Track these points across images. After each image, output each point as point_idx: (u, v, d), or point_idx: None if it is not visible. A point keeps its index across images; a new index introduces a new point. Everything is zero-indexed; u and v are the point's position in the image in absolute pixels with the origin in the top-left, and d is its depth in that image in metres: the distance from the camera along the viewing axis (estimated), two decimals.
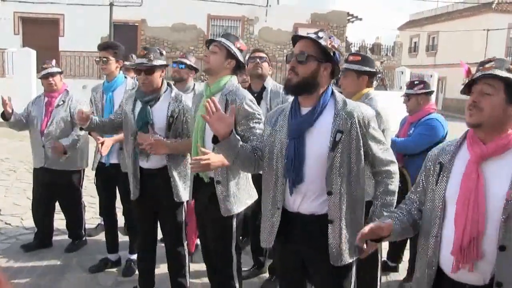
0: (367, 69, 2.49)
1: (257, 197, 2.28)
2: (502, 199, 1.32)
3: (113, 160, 3.09)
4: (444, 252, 1.43)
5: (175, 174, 2.51)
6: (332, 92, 1.72)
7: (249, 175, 2.28)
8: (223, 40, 2.17)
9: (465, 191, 1.37)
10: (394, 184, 1.77)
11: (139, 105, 2.53)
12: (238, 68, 2.23)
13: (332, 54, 1.65)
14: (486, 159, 1.38)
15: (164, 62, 2.52)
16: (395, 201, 1.78)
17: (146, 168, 2.54)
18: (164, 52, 2.58)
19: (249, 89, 3.01)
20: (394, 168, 1.79)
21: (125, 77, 3.13)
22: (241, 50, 2.21)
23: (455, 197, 1.40)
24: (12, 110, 3.19)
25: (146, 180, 2.55)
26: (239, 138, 1.77)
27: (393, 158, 1.80)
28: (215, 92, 2.17)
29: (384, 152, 1.75)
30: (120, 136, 2.91)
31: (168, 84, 2.59)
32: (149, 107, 2.48)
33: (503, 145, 1.37)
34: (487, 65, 1.40)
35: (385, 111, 2.42)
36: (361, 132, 1.66)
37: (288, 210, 1.74)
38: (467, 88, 1.45)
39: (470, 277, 1.38)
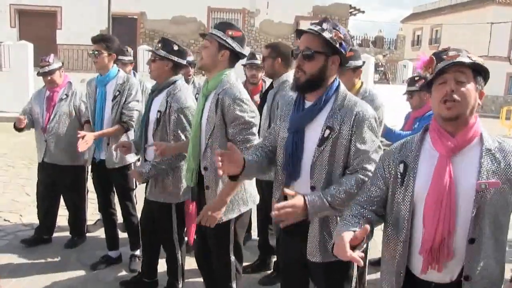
0: (360, 63, 2.61)
1: (257, 202, 2.22)
2: (472, 191, 1.27)
3: (103, 156, 3.03)
4: (413, 255, 1.38)
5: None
6: (338, 86, 1.67)
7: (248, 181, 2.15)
8: (212, 31, 2.03)
9: (438, 190, 1.29)
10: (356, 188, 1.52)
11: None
12: (236, 57, 2.07)
13: (338, 46, 1.60)
14: (456, 152, 1.31)
15: (165, 54, 2.44)
16: (342, 203, 1.53)
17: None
18: (176, 48, 2.46)
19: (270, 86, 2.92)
20: (367, 172, 1.54)
21: (118, 71, 3.03)
22: (233, 37, 2.02)
23: (424, 197, 1.33)
24: (25, 123, 3.25)
25: None
26: (251, 160, 1.69)
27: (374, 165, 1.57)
28: (212, 89, 2.06)
29: (371, 153, 1.57)
30: (105, 131, 2.89)
31: (175, 80, 2.50)
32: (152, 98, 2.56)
33: (471, 135, 1.32)
34: (450, 54, 1.32)
35: (385, 107, 2.50)
36: (352, 131, 1.57)
37: None
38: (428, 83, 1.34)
39: (438, 275, 1.33)
